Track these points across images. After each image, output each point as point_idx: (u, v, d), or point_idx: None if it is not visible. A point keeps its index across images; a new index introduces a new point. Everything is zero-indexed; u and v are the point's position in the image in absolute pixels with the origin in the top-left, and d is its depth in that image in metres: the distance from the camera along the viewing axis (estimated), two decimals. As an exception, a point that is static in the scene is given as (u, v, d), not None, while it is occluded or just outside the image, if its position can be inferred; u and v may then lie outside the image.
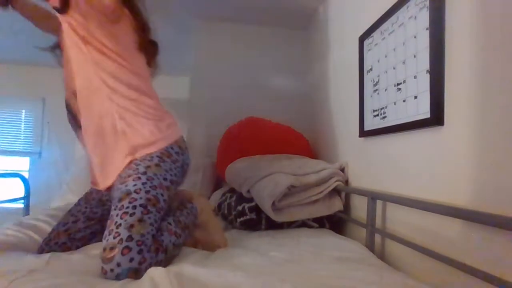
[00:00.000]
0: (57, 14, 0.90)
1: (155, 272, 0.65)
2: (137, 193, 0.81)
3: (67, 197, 1.79)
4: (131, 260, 0.70)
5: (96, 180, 0.98)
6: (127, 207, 0.78)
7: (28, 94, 3.48)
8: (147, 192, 0.82)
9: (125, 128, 0.92)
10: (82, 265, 0.78)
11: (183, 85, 2.17)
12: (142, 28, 1.00)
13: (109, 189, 0.95)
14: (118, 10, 0.90)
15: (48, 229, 1.05)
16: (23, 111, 3.52)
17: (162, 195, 0.85)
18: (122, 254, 0.70)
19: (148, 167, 0.88)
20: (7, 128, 3.47)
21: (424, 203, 0.86)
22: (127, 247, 0.71)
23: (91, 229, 0.99)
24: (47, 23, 1.08)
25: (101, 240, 0.99)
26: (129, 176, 0.86)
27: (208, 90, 2.19)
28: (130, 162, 0.91)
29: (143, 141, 0.92)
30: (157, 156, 0.91)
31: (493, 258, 0.66)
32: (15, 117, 3.50)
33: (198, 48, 2.21)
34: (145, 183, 0.84)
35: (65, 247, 0.93)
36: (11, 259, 0.76)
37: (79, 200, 1.07)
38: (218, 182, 2.04)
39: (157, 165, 0.89)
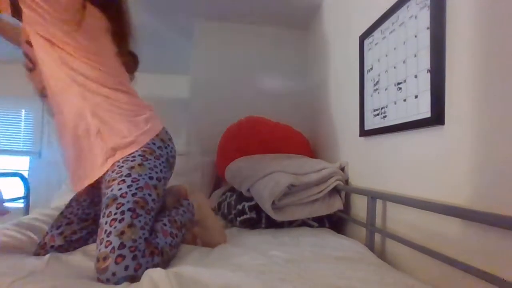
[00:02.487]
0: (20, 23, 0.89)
1: (154, 274, 0.64)
2: (123, 197, 0.78)
3: (67, 197, 1.78)
4: (126, 268, 0.68)
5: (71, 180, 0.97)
6: (115, 213, 0.76)
7: (28, 94, 3.47)
8: (133, 195, 0.80)
9: (99, 127, 0.90)
10: (81, 267, 0.77)
11: (183, 85, 2.17)
12: (120, 35, 0.99)
13: (91, 191, 0.95)
14: (72, 9, 0.87)
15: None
16: (23, 110, 3.52)
17: (150, 195, 0.83)
18: (116, 263, 0.68)
19: (131, 168, 0.85)
20: (7, 127, 3.47)
21: (424, 202, 0.85)
22: (120, 255, 0.69)
23: (87, 230, 0.98)
24: (19, 37, 1.06)
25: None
26: (113, 180, 0.83)
27: (208, 90, 2.19)
28: (113, 164, 0.88)
29: (121, 140, 0.89)
30: (139, 155, 0.88)
31: (493, 258, 0.66)
32: (15, 117, 3.50)
33: (198, 48, 2.20)
34: (131, 185, 0.81)
35: (62, 250, 0.91)
36: (11, 260, 0.76)
37: (70, 201, 1.04)
38: (218, 181, 2.04)
39: (140, 164, 0.86)
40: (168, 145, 0.98)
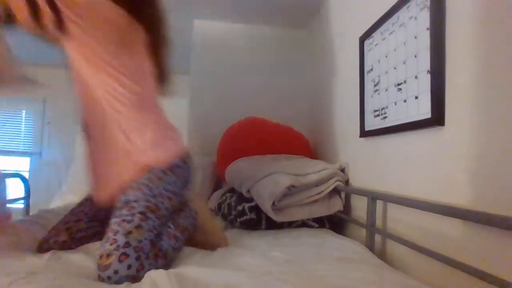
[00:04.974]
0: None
1: (155, 274, 0.64)
2: (136, 202, 0.81)
3: (67, 197, 1.79)
4: (129, 267, 0.68)
5: (97, 192, 0.99)
6: (126, 215, 0.77)
7: (28, 94, 3.48)
8: (146, 201, 0.82)
9: (129, 148, 0.93)
10: (82, 267, 0.77)
11: (183, 85, 2.17)
12: (160, 62, 1.05)
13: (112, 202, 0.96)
14: (126, 29, 0.92)
15: (49, 227, 1.05)
16: (23, 111, 3.52)
17: (162, 203, 0.85)
18: (120, 261, 0.68)
19: (149, 179, 0.88)
20: (7, 128, 3.47)
21: (424, 203, 0.86)
22: (124, 253, 0.69)
23: (93, 230, 0.98)
24: None
25: (102, 240, 0.98)
26: (130, 187, 0.86)
27: (208, 90, 2.19)
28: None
29: (146, 159, 0.93)
30: (161, 170, 0.92)
31: (493, 258, 0.67)
32: (15, 117, 3.51)
33: (197, 48, 2.21)
34: (146, 193, 0.84)
35: (65, 246, 0.91)
36: (10, 259, 0.76)
37: (83, 200, 1.05)
38: (218, 182, 2.04)
39: (159, 178, 0.89)
40: (189, 167, 1.02)
